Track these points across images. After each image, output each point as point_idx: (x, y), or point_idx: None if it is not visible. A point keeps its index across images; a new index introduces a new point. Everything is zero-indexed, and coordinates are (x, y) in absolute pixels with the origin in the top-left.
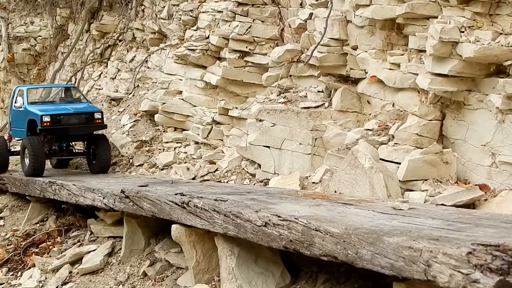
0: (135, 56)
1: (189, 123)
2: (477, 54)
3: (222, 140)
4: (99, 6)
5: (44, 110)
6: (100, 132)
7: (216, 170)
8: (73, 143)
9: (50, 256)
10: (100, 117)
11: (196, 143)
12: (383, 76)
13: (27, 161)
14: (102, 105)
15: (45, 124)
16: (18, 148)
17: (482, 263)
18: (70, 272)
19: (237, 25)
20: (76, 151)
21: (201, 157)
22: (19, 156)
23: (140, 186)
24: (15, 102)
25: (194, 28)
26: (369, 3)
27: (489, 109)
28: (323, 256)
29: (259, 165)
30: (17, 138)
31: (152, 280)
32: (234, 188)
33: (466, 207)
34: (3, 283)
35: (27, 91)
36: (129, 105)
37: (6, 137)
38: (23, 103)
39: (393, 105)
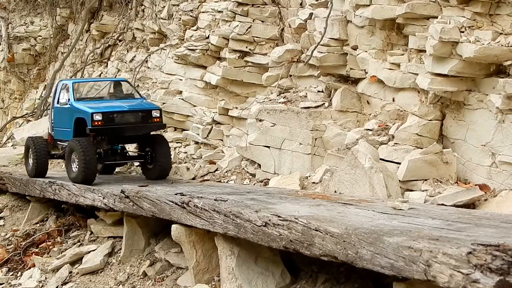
0: (135, 56)
1: (189, 123)
2: (477, 54)
3: (222, 140)
4: (99, 6)
5: (94, 108)
6: (157, 132)
7: (216, 170)
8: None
9: (50, 256)
10: (158, 115)
11: (196, 143)
12: (383, 76)
13: (74, 166)
14: None
15: (96, 123)
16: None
17: (482, 263)
18: (70, 272)
19: (237, 25)
20: (130, 154)
21: (201, 157)
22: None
23: (140, 186)
24: (60, 98)
25: (194, 28)
26: (369, 3)
27: (489, 109)
28: (323, 256)
29: (259, 165)
30: (59, 139)
31: (152, 280)
32: (234, 188)
33: (466, 207)
34: (3, 283)
35: (73, 86)
36: None
37: (46, 138)
38: (69, 99)
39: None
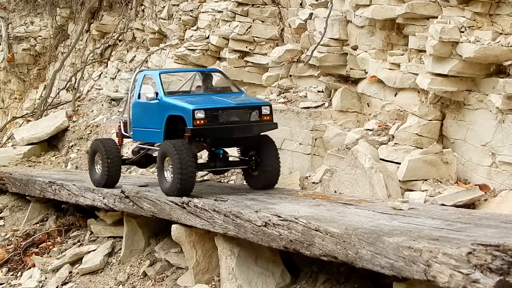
0: (135, 56)
1: None
2: (477, 54)
3: None
4: (99, 6)
5: (194, 103)
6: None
7: None
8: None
9: (50, 256)
10: (268, 112)
11: None
12: (383, 76)
13: (168, 175)
14: (102, 105)
15: (198, 122)
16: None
17: (482, 263)
18: (70, 272)
19: (237, 25)
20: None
21: (201, 157)
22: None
23: (140, 186)
24: (145, 92)
25: (194, 28)
26: (369, 3)
27: (489, 109)
28: (323, 256)
29: None
30: (139, 142)
31: (152, 280)
32: (234, 188)
33: (466, 207)
34: (3, 283)
35: (160, 77)
36: None
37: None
38: (158, 94)
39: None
